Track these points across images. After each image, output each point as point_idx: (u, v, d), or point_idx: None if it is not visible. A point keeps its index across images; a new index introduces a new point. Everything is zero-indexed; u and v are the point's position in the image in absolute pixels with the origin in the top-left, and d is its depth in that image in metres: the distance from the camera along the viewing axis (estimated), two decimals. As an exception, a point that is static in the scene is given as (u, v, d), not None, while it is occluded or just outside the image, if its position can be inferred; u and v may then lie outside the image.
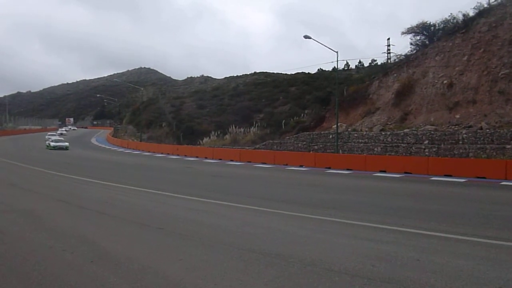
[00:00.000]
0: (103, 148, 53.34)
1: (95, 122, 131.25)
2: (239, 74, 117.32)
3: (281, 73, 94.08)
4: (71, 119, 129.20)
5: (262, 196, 13.67)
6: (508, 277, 5.44)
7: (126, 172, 22.73)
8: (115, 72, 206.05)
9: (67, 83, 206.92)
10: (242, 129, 54.01)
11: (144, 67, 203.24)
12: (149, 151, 46.45)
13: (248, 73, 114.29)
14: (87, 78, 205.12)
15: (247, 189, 16.06)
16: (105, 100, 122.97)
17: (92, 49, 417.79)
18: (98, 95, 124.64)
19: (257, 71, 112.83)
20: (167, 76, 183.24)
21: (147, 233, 8.11)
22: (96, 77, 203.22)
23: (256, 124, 55.14)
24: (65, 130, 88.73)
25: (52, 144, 44.18)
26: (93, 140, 68.27)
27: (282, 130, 45.84)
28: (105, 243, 7.22)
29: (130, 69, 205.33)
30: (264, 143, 39.98)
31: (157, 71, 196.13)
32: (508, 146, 23.08)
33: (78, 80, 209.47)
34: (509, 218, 10.02)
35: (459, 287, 5.02)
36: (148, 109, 78.77)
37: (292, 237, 7.76)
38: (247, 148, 40.42)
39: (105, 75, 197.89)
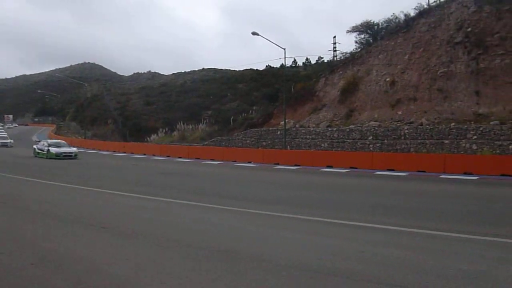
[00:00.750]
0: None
1: (36, 119, 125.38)
2: (187, 70, 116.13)
3: (229, 70, 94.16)
4: (10, 116, 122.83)
5: (211, 193, 13.62)
6: (446, 265, 5.71)
7: (69, 170, 21.91)
8: (57, 67, 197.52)
9: (5, 78, 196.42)
10: (190, 126, 53.62)
11: (88, 62, 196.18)
12: (94, 149, 45.12)
13: (196, 69, 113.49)
14: (27, 73, 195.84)
15: (196, 186, 15.92)
16: (46, 96, 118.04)
17: (32, 43, 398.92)
18: (39, 91, 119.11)
19: (205, 67, 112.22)
20: (113, 72, 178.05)
21: (91, 233, 7.85)
22: (36, 72, 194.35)
23: (205, 121, 54.98)
24: (2, 128, 75.32)
25: (54, 150, 31.28)
26: (35, 138, 65.33)
27: (231, 127, 45.83)
28: (47, 244, 6.91)
29: (73, 64, 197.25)
30: (213, 139, 39.90)
31: (102, 67, 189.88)
32: (446, 141, 24.26)
33: (17, 75, 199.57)
34: (447, 210, 10.53)
35: (401, 277, 5.20)
36: (93, 106, 76.52)
37: (241, 233, 7.79)
38: (196, 145, 40.11)
39: (47, 70, 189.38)
